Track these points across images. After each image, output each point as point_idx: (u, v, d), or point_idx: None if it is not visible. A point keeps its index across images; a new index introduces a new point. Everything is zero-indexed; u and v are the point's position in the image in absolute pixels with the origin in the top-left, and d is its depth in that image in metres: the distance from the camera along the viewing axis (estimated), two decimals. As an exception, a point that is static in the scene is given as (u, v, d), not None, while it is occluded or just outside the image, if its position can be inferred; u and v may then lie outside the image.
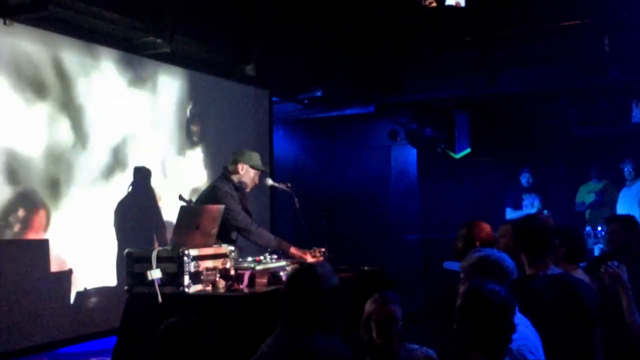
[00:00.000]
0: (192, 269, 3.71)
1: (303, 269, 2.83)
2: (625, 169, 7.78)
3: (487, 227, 3.99)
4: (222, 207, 4.17)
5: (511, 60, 7.48)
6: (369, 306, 2.96)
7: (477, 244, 3.75)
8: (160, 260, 3.70)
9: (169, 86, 6.30)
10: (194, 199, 5.14)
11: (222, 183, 4.68)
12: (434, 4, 5.53)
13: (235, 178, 4.73)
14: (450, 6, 5.59)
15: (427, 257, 8.71)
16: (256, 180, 4.85)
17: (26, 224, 4.88)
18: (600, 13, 6.63)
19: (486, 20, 6.62)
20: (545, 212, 7.59)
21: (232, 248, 4.09)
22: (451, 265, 3.25)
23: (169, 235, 5.74)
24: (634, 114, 7.83)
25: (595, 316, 3.04)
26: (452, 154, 8.86)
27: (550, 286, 3.04)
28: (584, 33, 6.86)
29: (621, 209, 7.66)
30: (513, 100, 8.46)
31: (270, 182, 5.14)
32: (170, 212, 5.92)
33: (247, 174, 4.75)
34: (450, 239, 4.43)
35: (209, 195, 4.62)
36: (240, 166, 4.73)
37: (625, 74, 7.19)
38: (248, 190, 4.86)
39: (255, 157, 4.83)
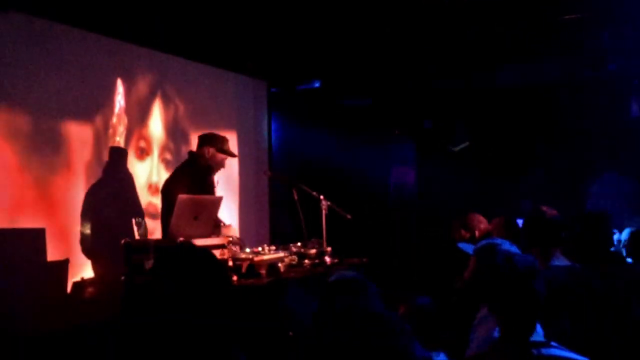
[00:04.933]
0: (191, 260, 3.69)
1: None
2: None
3: (482, 219, 4.11)
4: (220, 197, 4.15)
5: (510, 54, 7.47)
6: None
7: (477, 234, 3.80)
8: (158, 251, 3.68)
9: (164, 75, 6.27)
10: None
11: (178, 172, 4.66)
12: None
13: (202, 162, 4.66)
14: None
15: (424, 249, 8.71)
16: (223, 164, 4.76)
17: (21, 212, 4.86)
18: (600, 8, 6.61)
19: (485, 15, 6.60)
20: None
21: (231, 238, 4.07)
22: (466, 246, 3.27)
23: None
24: (632, 109, 7.83)
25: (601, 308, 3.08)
26: (450, 147, 8.84)
27: (561, 277, 3.06)
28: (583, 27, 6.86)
29: None
30: (512, 94, 8.44)
31: (268, 173, 5.12)
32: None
33: (213, 157, 4.67)
34: (448, 232, 4.50)
35: (164, 184, 4.59)
36: (206, 149, 4.66)
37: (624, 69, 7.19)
38: (214, 174, 4.79)
39: (223, 141, 4.73)
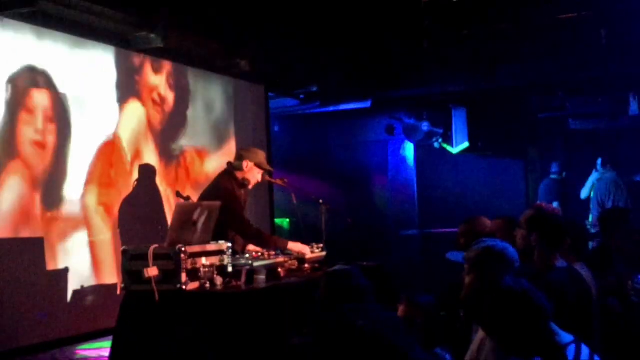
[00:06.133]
0: (189, 266, 3.68)
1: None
2: None
3: (488, 222, 4.04)
4: (219, 203, 4.13)
5: (508, 53, 7.46)
6: None
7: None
8: (156, 257, 3.66)
9: (164, 82, 6.26)
10: (191, 195, 5.10)
11: (226, 181, 4.64)
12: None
13: (239, 175, 4.67)
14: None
15: (425, 251, 8.70)
16: (259, 178, 4.79)
17: (22, 221, 4.85)
18: (598, 5, 6.60)
19: (483, 14, 6.60)
20: (555, 204, 7.57)
21: (230, 245, 4.05)
22: (454, 255, 3.22)
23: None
24: (631, 107, 7.83)
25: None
26: (449, 148, 8.84)
27: (565, 279, 3.03)
28: (581, 26, 6.84)
29: None
30: (510, 94, 8.44)
31: (267, 177, 5.09)
32: (168, 209, 5.91)
33: (251, 171, 4.68)
34: (448, 234, 4.45)
35: (213, 193, 4.56)
36: (245, 163, 4.66)
37: (623, 67, 7.16)
38: (251, 187, 4.81)
39: (261, 156, 4.76)
